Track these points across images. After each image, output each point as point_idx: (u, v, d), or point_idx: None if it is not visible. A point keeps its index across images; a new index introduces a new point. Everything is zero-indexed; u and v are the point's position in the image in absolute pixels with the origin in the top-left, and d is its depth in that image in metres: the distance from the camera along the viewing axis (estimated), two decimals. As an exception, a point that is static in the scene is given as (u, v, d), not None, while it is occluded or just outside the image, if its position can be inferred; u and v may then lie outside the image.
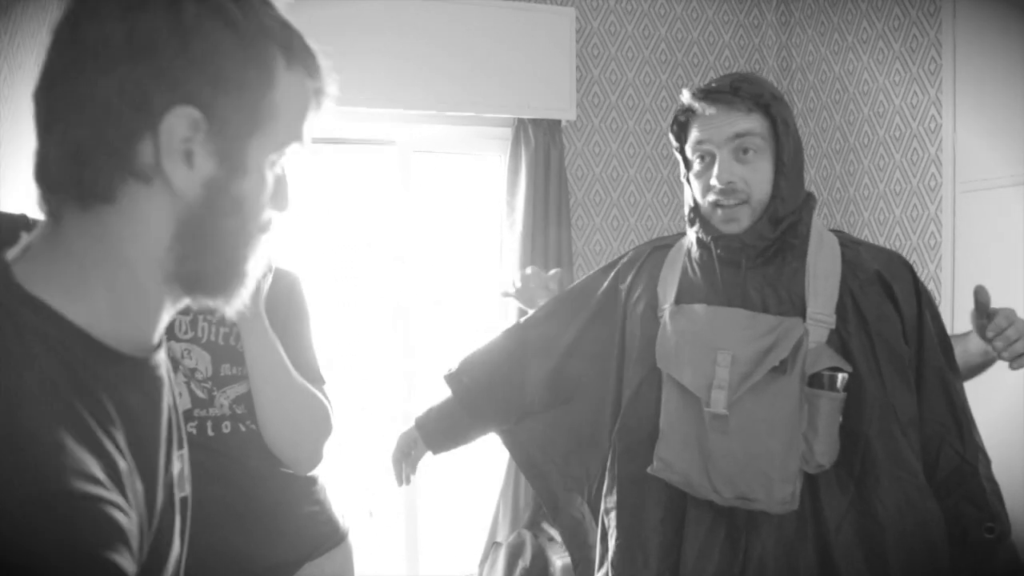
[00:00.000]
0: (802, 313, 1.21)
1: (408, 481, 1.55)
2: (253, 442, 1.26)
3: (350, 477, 2.95)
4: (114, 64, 0.59)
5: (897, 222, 2.84)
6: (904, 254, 2.69)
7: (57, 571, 0.50)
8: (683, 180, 1.34)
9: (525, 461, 1.51)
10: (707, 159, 1.26)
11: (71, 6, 0.61)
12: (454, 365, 1.52)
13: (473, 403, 1.49)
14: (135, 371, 0.65)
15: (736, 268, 1.26)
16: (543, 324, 1.48)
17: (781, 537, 1.19)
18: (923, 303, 1.25)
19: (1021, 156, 2.35)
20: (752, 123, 1.22)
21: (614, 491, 1.34)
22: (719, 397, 1.18)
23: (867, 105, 2.97)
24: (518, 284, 1.65)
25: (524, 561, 2.78)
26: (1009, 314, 1.24)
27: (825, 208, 3.14)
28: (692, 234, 1.32)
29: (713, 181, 1.23)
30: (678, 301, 1.30)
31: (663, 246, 1.42)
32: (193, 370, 1.25)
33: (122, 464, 0.59)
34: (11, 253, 0.63)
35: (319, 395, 1.29)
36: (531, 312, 1.55)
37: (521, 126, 3.05)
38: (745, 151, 1.22)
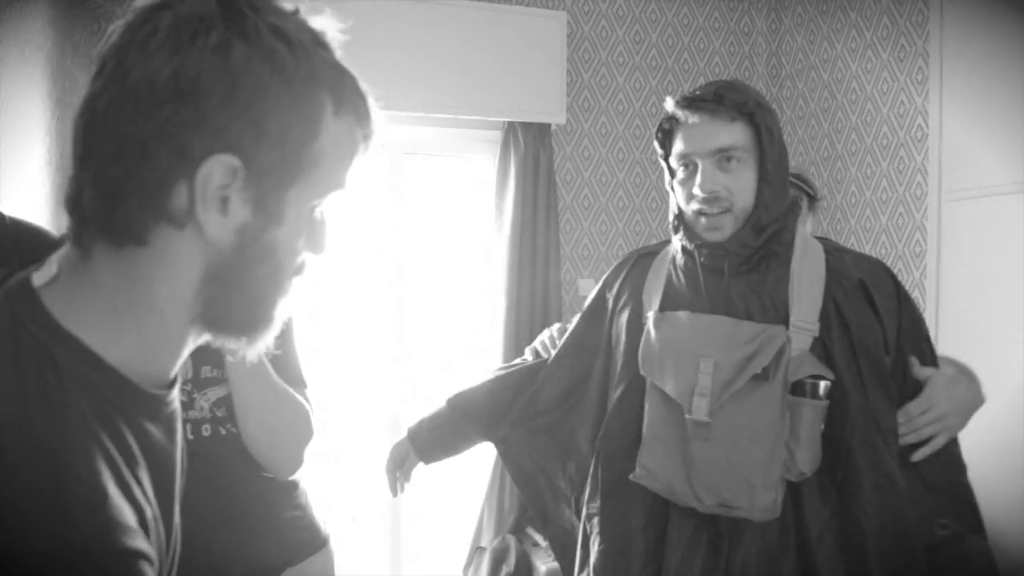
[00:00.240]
0: (786, 320, 1.21)
1: (402, 490, 1.56)
2: (233, 446, 1.24)
3: (335, 481, 2.94)
4: (157, 106, 0.57)
5: (883, 230, 2.85)
6: (889, 262, 2.72)
7: None
8: (668, 188, 1.34)
9: (515, 469, 1.52)
10: (691, 167, 1.26)
11: (121, 37, 0.59)
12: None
13: (466, 404, 1.51)
14: (155, 407, 0.65)
15: (720, 276, 1.26)
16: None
17: (763, 545, 1.19)
18: (903, 312, 1.25)
19: (1006, 166, 2.37)
20: (735, 133, 1.22)
21: (597, 497, 1.34)
22: (701, 404, 1.18)
23: (855, 114, 2.98)
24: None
25: (508, 566, 2.78)
26: (932, 397, 1.20)
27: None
28: (677, 242, 1.32)
29: (696, 190, 1.23)
30: (662, 308, 1.30)
31: (649, 254, 1.42)
32: None
33: (149, 513, 0.60)
34: (37, 278, 0.62)
35: (300, 399, 1.28)
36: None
37: (511, 129, 3.05)
38: (728, 159, 1.22)
